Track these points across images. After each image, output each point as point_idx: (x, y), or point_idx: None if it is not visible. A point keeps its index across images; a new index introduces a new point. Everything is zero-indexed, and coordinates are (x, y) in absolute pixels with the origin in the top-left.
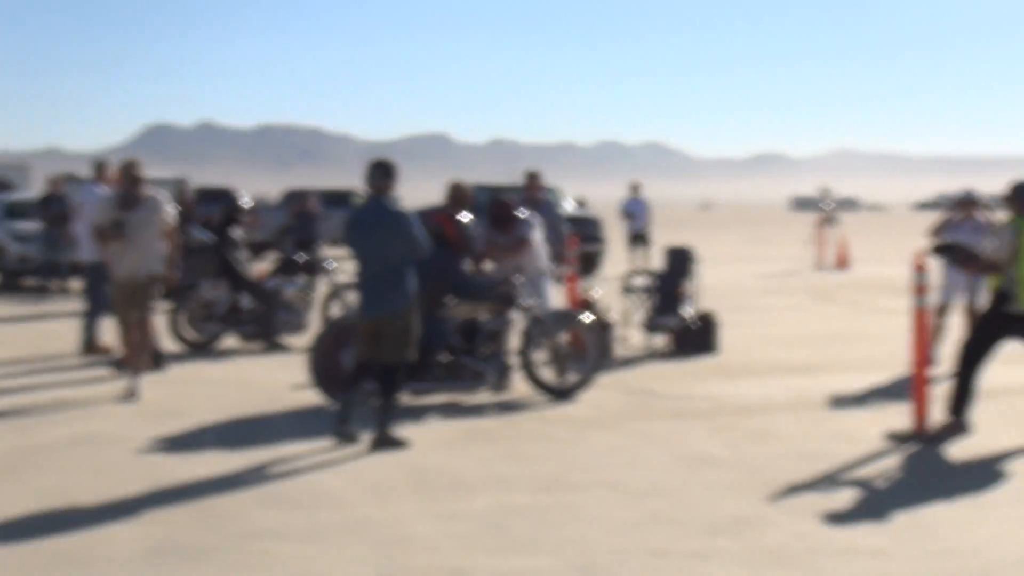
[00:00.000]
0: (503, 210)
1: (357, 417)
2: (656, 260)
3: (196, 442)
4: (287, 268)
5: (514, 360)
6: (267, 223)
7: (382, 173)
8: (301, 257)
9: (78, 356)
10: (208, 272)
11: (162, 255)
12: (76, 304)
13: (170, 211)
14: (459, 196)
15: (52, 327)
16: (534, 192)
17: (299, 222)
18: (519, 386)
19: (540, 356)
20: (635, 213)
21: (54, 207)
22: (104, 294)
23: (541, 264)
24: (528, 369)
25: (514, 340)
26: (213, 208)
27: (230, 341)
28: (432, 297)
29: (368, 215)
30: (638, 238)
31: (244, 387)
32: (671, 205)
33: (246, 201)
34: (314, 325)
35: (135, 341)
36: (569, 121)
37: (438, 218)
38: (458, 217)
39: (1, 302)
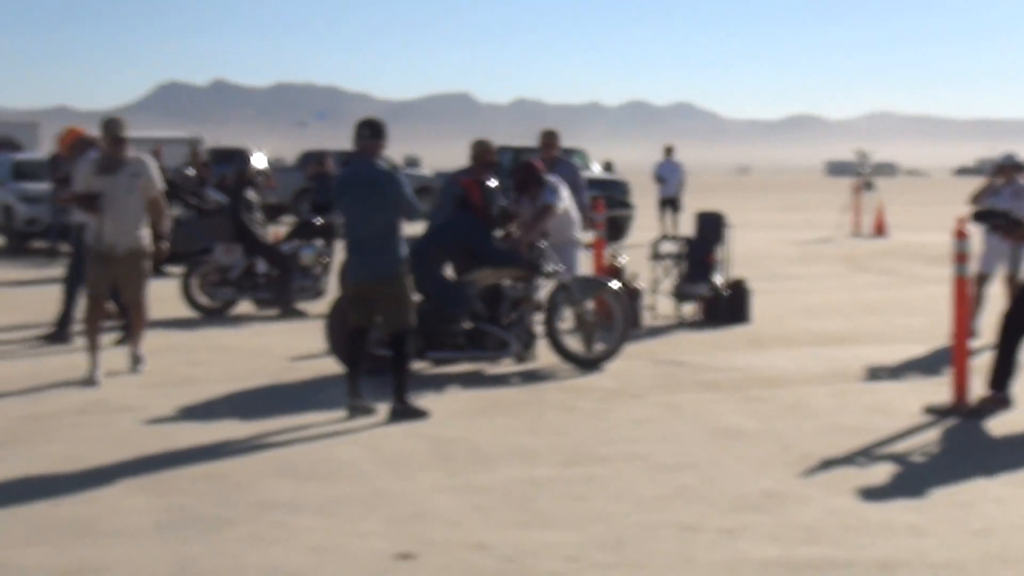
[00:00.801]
0: (529, 173)
1: (376, 386)
2: (687, 226)
3: (209, 411)
4: (304, 231)
5: (539, 328)
6: (283, 185)
7: (371, 132)
8: (318, 220)
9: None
10: (222, 235)
11: (147, 224)
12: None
13: (157, 175)
14: (483, 154)
15: (61, 291)
16: (550, 152)
17: (316, 184)
18: (544, 355)
19: (566, 324)
20: (667, 177)
21: (62, 167)
22: None
23: (570, 231)
24: (553, 338)
25: (539, 308)
26: (227, 169)
27: (244, 307)
28: (455, 263)
29: (356, 176)
30: (669, 203)
31: (259, 355)
32: (703, 168)
33: (261, 161)
34: (331, 291)
35: (133, 317)
36: (595, 80)
37: (464, 182)
38: (485, 182)
39: (9, 265)
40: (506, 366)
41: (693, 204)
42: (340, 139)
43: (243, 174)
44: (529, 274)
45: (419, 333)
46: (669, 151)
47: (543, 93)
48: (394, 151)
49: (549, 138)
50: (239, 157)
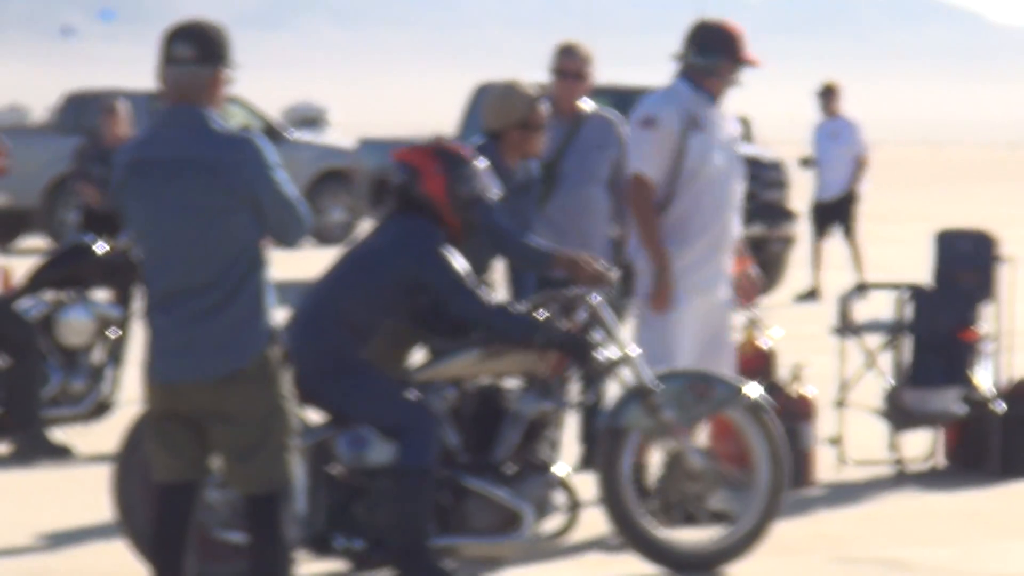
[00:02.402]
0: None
1: None
2: (893, 259)
3: None
4: (67, 272)
5: (584, 483)
6: (23, 168)
7: (197, 52)
8: (99, 245)
9: None
10: None
11: None
12: None
13: None
14: (518, 110)
15: None
16: (571, 93)
17: (94, 164)
18: (590, 540)
19: (645, 477)
20: (824, 156)
21: None
22: None
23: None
24: (616, 507)
25: (580, 438)
26: None
27: None
28: (397, 337)
29: (165, 152)
30: (832, 213)
31: None
32: (961, 133)
33: None
34: (128, 401)
35: None
36: None
37: (408, 156)
38: (456, 153)
39: None
40: (510, 563)
41: (921, 208)
42: (146, 65)
43: None
44: (565, 364)
45: (316, 498)
46: (828, 95)
47: None
48: (262, 88)
49: (570, 59)
50: None
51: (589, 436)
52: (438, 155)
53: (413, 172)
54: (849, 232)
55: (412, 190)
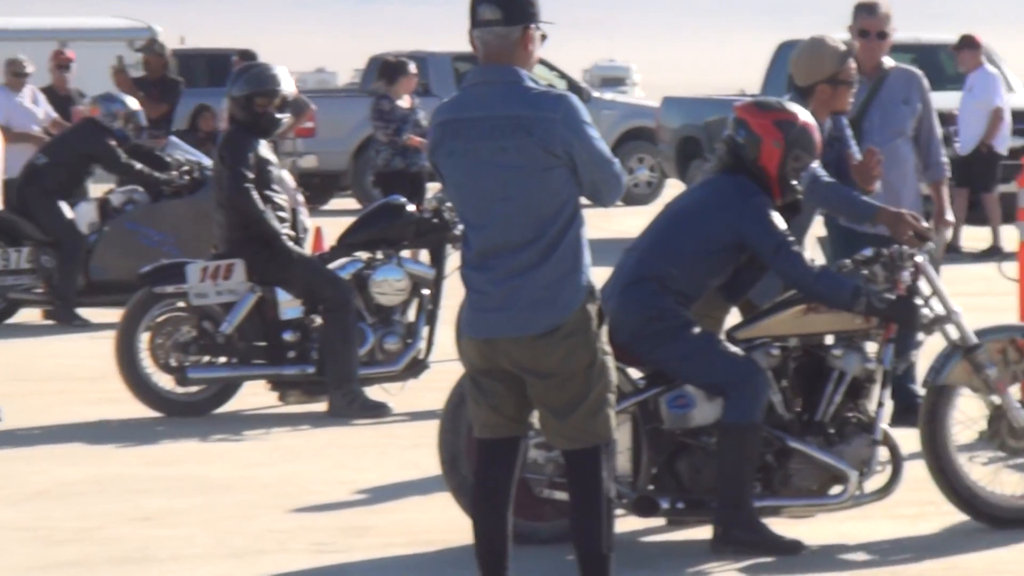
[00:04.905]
0: None
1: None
2: None
3: None
4: (379, 231)
5: (901, 441)
6: (331, 131)
7: (505, 12)
8: (407, 205)
9: None
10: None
11: None
12: None
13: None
14: (818, 68)
15: None
16: (873, 52)
17: (390, 123)
18: (912, 491)
19: (965, 435)
20: (960, 110)
21: None
22: None
23: None
24: (939, 463)
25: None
26: (217, 98)
27: (252, 395)
28: (707, 299)
29: (476, 112)
30: (965, 167)
31: (267, 490)
32: None
33: (287, 81)
34: (443, 359)
35: None
36: None
37: (749, 118)
38: (797, 125)
39: None
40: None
41: None
42: (450, 27)
43: (253, 105)
44: (892, 328)
45: (640, 458)
46: (962, 48)
47: None
48: (565, 48)
49: (872, 18)
50: (246, 74)
51: (901, 392)
52: (780, 126)
53: (753, 138)
54: (985, 189)
55: (746, 154)
